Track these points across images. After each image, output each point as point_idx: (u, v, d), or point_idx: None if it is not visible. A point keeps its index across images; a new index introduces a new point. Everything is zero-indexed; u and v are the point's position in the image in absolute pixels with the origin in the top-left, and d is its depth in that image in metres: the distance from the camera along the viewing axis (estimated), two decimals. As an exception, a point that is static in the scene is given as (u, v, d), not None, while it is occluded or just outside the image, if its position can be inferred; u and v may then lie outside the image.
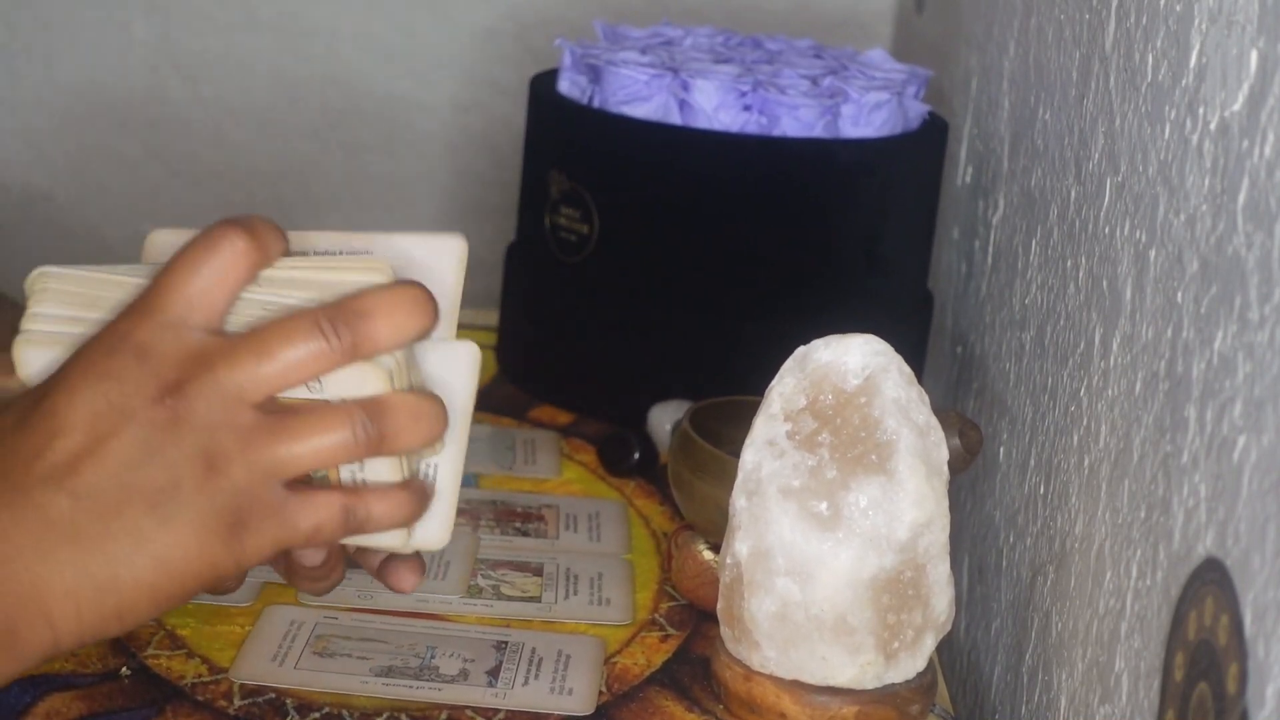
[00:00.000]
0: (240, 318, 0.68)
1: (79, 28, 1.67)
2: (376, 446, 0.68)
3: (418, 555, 0.77)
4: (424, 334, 0.69)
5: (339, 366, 0.67)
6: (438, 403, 0.70)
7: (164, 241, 0.73)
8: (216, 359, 0.66)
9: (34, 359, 0.70)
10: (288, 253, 0.70)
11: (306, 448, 0.67)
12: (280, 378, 0.67)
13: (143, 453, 0.65)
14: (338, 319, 0.67)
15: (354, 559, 0.79)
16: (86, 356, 0.67)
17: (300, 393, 0.68)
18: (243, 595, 0.87)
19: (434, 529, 0.73)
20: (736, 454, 0.81)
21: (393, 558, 0.77)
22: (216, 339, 0.67)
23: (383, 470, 0.70)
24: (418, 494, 0.71)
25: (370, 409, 0.68)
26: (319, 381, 0.68)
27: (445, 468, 0.73)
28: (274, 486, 0.67)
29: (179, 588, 0.67)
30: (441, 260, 0.73)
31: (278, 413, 0.67)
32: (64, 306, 0.71)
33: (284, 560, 0.77)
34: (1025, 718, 0.90)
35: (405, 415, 0.69)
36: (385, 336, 0.68)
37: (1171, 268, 0.71)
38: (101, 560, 0.65)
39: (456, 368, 0.73)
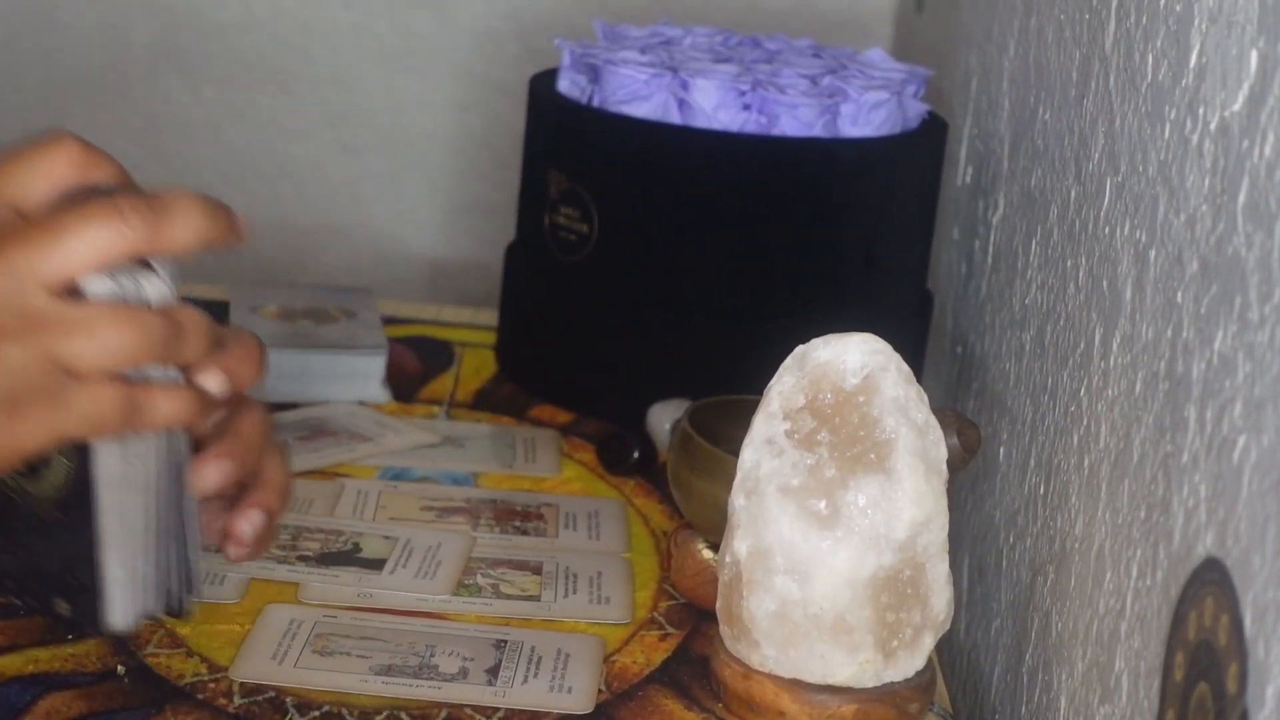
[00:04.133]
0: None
1: (79, 27, 1.67)
2: (168, 356, 0.67)
3: (258, 509, 0.74)
4: (221, 244, 0.67)
5: (133, 254, 0.65)
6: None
7: None
8: (9, 236, 0.64)
9: None
10: (118, 176, 0.68)
11: (97, 348, 0.65)
12: (75, 260, 0.64)
13: None
14: (138, 208, 0.65)
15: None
16: None
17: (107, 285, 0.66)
18: (232, 591, 0.88)
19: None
20: (735, 453, 0.81)
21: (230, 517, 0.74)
22: (15, 217, 0.65)
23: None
24: (202, 396, 0.69)
25: (165, 315, 0.66)
26: (118, 282, 0.66)
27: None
28: (53, 372, 0.64)
29: None
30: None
31: (75, 305, 0.65)
32: None
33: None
34: (1025, 718, 0.90)
35: (194, 331, 0.67)
36: (181, 235, 0.66)
37: (1171, 268, 0.71)
38: None
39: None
